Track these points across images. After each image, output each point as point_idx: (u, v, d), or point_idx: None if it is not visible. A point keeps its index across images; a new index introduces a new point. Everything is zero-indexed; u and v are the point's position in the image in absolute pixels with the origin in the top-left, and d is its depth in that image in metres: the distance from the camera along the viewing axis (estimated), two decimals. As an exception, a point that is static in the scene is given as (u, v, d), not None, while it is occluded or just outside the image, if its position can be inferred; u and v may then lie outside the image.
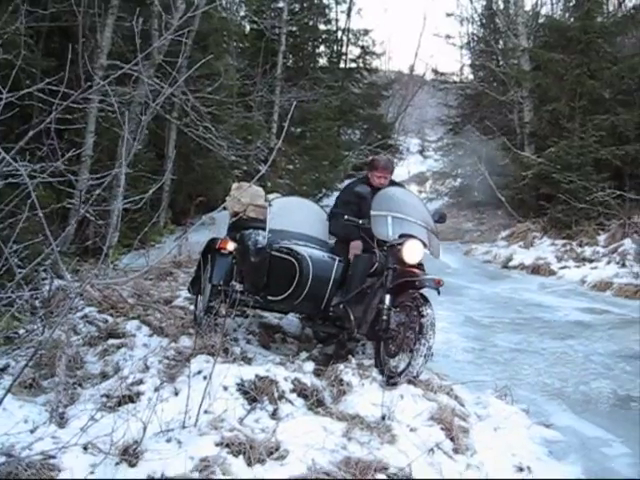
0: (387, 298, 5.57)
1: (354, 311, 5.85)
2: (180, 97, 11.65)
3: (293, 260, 5.78)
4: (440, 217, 6.47)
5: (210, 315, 6.11)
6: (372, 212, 5.94)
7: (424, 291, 5.56)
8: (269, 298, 5.98)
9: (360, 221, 6.08)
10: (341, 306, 5.94)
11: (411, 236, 5.78)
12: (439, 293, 5.54)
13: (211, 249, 6.67)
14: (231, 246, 6.49)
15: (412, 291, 5.51)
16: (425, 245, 5.89)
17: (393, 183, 6.61)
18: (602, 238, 13.20)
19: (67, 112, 5.04)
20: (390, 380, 5.24)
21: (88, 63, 7.69)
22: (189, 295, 7.57)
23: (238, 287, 6.31)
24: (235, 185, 7.15)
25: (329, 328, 6.30)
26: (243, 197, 6.76)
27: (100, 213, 8.93)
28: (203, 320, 6.20)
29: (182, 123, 12.46)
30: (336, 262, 5.92)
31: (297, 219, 6.46)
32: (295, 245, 5.98)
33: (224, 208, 6.67)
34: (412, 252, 5.66)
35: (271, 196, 6.99)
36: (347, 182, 7.25)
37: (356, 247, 6.15)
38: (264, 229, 6.28)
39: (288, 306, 6.16)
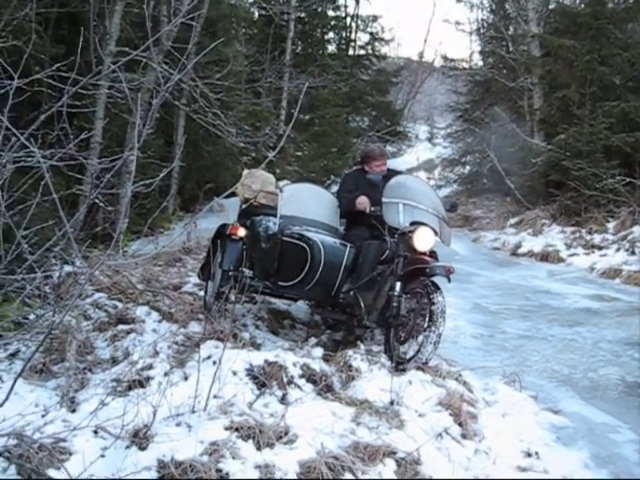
0: (398, 285, 5.55)
1: (364, 298, 5.83)
2: (189, 83, 11.65)
3: (304, 246, 5.77)
4: (452, 206, 6.50)
5: (220, 300, 6.12)
6: (384, 199, 5.93)
7: (435, 278, 5.54)
8: (280, 284, 5.97)
9: (372, 208, 6.08)
10: (351, 293, 5.92)
11: (422, 224, 5.77)
12: (449, 281, 5.55)
13: (221, 235, 6.66)
14: (242, 232, 6.46)
15: (423, 278, 5.50)
16: (436, 233, 5.87)
17: (393, 172, 6.60)
18: (611, 225, 13.16)
19: (76, 98, 5.06)
20: (399, 366, 5.25)
21: (98, 49, 7.71)
22: (198, 281, 7.59)
23: (248, 273, 6.28)
24: (246, 172, 7.08)
25: (339, 315, 6.29)
26: (254, 184, 6.73)
27: (110, 199, 8.96)
28: (213, 306, 6.21)
29: (191, 109, 12.45)
30: (347, 248, 5.91)
31: (308, 205, 6.43)
32: (306, 231, 5.97)
33: (234, 194, 6.71)
34: (423, 239, 5.65)
35: (282, 183, 6.96)
36: (346, 172, 7.27)
37: (363, 202, 6.15)
38: (275, 216, 6.25)
39: (299, 292, 6.17)
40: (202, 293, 7.01)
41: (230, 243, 6.47)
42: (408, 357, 5.38)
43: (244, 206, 6.81)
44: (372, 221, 6.10)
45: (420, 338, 5.38)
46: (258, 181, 6.76)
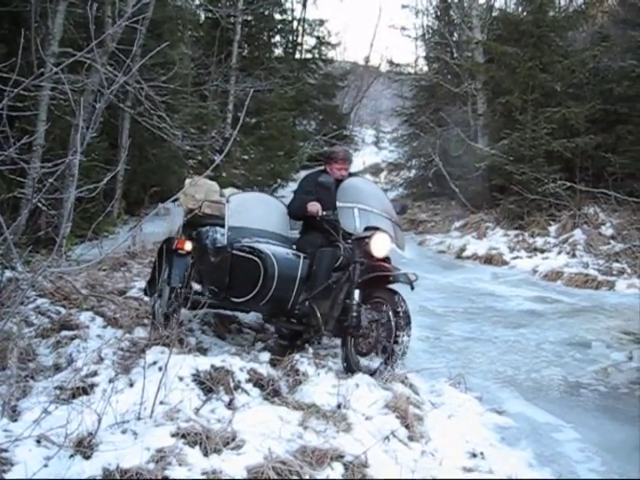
0: (356, 293, 5.42)
1: (320, 307, 5.69)
2: (134, 86, 11.49)
3: (256, 259, 5.56)
4: (402, 208, 6.47)
5: (169, 321, 5.77)
6: (338, 203, 5.82)
7: (396, 286, 5.51)
8: (232, 300, 5.78)
9: (324, 212, 5.96)
10: (306, 303, 5.77)
11: (378, 229, 5.67)
12: (412, 288, 5.44)
13: (167, 250, 6.41)
14: (189, 246, 6.26)
15: (385, 287, 5.44)
16: (392, 238, 5.77)
17: (350, 174, 6.49)
18: (553, 229, 13.43)
19: (18, 100, 4.95)
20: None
21: (40, 50, 7.56)
22: (143, 286, 7.50)
23: (197, 288, 6.18)
24: (188, 181, 6.91)
25: (294, 325, 6.09)
26: (197, 193, 6.56)
27: (52, 203, 8.79)
28: (162, 324, 5.84)
29: (136, 112, 12.29)
30: (301, 259, 5.75)
31: (256, 215, 6.23)
32: (257, 243, 5.77)
33: (176, 201, 6.57)
34: (380, 245, 5.55)
35: (226, 191, 6.83)
36: (306, 173, 7.00)
37: (313, 206, 5.98)
38: (221, 226, 6.07)
39: (253, 307, 6.03)
40: (150, 311, 6.60)
41: (177, 258, 6.25)
42: (372, 370, 5.29)
43: (188, 216, 6.63)
44: (325, 226, 5.96)
45: (383, 350, 5.29)
46: (201, 190, 6.59)
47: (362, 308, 5.39)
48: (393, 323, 5.24)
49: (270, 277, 5.47)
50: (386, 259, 5.60)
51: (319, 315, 5.66)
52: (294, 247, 6.11)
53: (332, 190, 5.94)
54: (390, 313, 5.30)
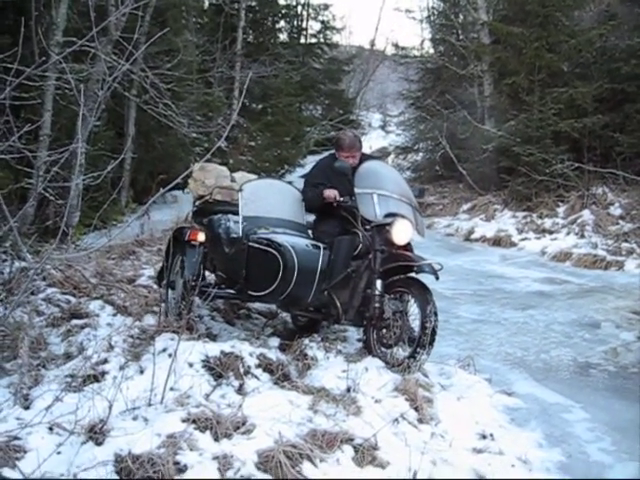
0: (378, 283, 5.24)
1: (339, 297, 5.50)
2: (139, 74, 11.49)
3: (275, 252, 5.27)
4: (420, 192, 6.18)
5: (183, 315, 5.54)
6: (356, 189, 5.58)
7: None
8: (250, 293, 5.54)
9: (341, 198, 5.71)
10: (325, 292, 5.54)
11: (399, 215, 5.47)
12: (437, 278, 5.25)
13: (178, 240, 6.20)
14: (202, 237, 6.04)
15: (408, 276, 5.28)
16: (412, 224, 5.55)
17: (367, 157, 6.18)
18: (561, 210, 13.40)
19: (23, 90, 4.96)
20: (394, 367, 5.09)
21: (43, 40, 7.56)
22: (153, 273, 7.54)
23: (212, 279, 6.05)
24: (197, 166, 6.58)
25: (312, 314, 5.93)
26: (207, 179, 6.34)
27: (60, 193, 8.80)
28: (174, 318, 5.75)
29: (141, 100, 12.28)
30: (321, 251, 5.46)
31: (271, 203, 5.93)
32: (274, 234, 5.50)
33: (179, 185, 6.38)
34: (402, 232, 5.35)
35: (237, 175, 6.65)
36: (316, 160, 6.76)
37: (330, 193, 5.72)
38: (233, 213, 5.86)
39: (272, 301, 5.87)
40: (162, 303, 6.21)
41: (190, 249, 6.06)
42: (400, 359, 5.14)
43: (198, 203, 6.43)
44: (342, 212, 5.72)
45: (410, 340, 5.17)
46: (211, 175, 6.39)
47: (385, 298, 5.24)
48: (420, 312, 5.07)
49: (290, 271, 5.20)
50: (407, 245, 5.44)
51: (339, 304, 5.49)
52: (311, 235, 5.93)
53: (349, 176, 5.69)
54: (414, 302, 5.16)
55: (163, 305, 6.03)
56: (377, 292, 5.22)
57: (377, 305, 5.20)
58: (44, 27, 9.47)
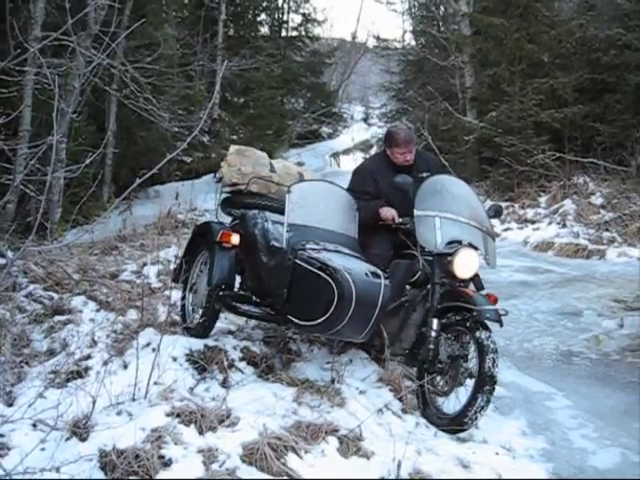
0: (434, 323, 4.55)
1: (386, 325, 4.82)
2: (119, 68, 11.42)
3: (329, 280, 4.37)
4: (496, 212, 5.29)
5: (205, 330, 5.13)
6: (416, 212, 4.74)
7: None
8: (291, 319, 4.64)
9: (400, 219, 4.98)
10: None
11: (462, 242, 4.77)
12: (501, 326, 4.49)
13: (205, 238, 5.43)
14: (236, 239, 5.13)
15: (460, 314, 4.51)
16: (479, 251, 4.84)
17: (421, 154, 5.57)
18: (543, 200, 13.44)
19: (1, 85, 4.92)
20: (446, 427, 4.36)
21: (20, 35, 7.50)
22: (135, 268, 7.52)
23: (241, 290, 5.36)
24: (233, 148, 5.77)
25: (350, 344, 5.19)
26: (244, 166, 5.49)
27: (41, 189, 8.75)
28: (194, 327, 5.23)
29: (122, 95, 12.23)
30: (382, 282, 4.54)
31: (322, 211, 5.06)
32: (326, 252, 4.66)
33: (220, 180, 5.67)
34: (466, 265, 4.64)
35: (277, 164, 5.78)
36: (361, 162, 5.97)
37: (388, 213, 5.04)
38: (271, 210, 5.19)
39: (318, 333, 4.92)
40: (179, 302, 5.71)
41: (220, 253, 5.15)
42: (452, 414, 4.43)
43: (228, 189, 5.63)
44: (400, 235, 5.02)
45: (464, 389, 4.47)
46: (249, 162, 5.54)
47: (441, 339, 4.56)
48: (478, 361, 4.35)
49: (345, 304, 4.31)
50: (475, 278, 4.76)
51: (385, 335, 4.83)
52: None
53: (410, 193, 4.86)
54: (471, 344, 4.46)
55: (180, 310, 5.60)
56: (433, 332, 4.54)
57: (432, 347, 4.52)
58: (21, 21, 9.38)
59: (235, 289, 5.30)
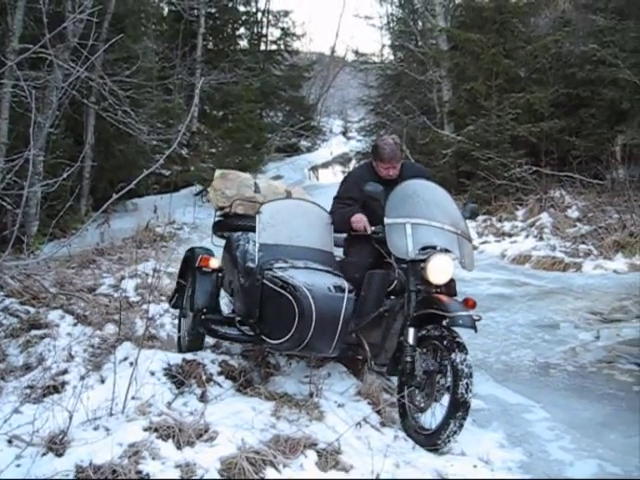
0: (411, 333, 4.48)
1: (369, 338, 4.84)
2: (97, 81, 11.39)
3: (290, 298, 4.45)
4: (472, 213, 5.24)
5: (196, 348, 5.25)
6: (386, 219, 4.71)
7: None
8: (263, 338, 4.72)
9: (372, 228, 4.94)
10: (353, 335, 4.86)
11: (435, 248, 4.68)
12: (476, 331, 4.45)
13: (190, 263, 5.57)
14: (215, 263, 5.38)
15: (440, 328, 4.40)
16: (454, 255, 4.76)
17: (408, 166, 5.47)
18: (520, 213, 13.53)
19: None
20: (423, 445, 4.33)
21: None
22: (113, 282, 7.48)
23: (228, 312, 5.50)
24: (218, 173, 5.95)
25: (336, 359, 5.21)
26: (228, 189, 5.69)
27: (18, 202, 8.69)
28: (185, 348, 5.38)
29: (100, 108, 12.19)
30: (345, 295, 4.54)
31: (293, 228, 5.12)
32: (291, 272, 4.66)
33: (198, 194, 5.88)
34: (440, 270, 4.56)
35: (262, 184, 5.92)
36: (350, 170, 6.04)
37: (359, 222, 5.01)
38: (255, 231, 5.10)
39: (288, 351, 4.90)
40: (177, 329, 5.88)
41: (201, 277, 5.35)
42: (430, 430, 4.36)
43: (219, 214, 5.84)
44: (374, 244, 4.96)
45: (439, 406, 4.36)
46: (233, 185, 5.74)
47: (417, 353, 4.47)
48: (451, 378, 4.27)
49: (306, 320, 4.37)
50: (449, 283, 4.66)
51: (367, 347, 4.83)
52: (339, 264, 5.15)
53: (381, 201, 4.84)
54: (446, 363, 4.33)
55: (176, 336, 5.71)
56: (409, 343, 4.48)
57: (408, 359, 4.47)
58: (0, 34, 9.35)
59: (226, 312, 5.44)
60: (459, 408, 4.19)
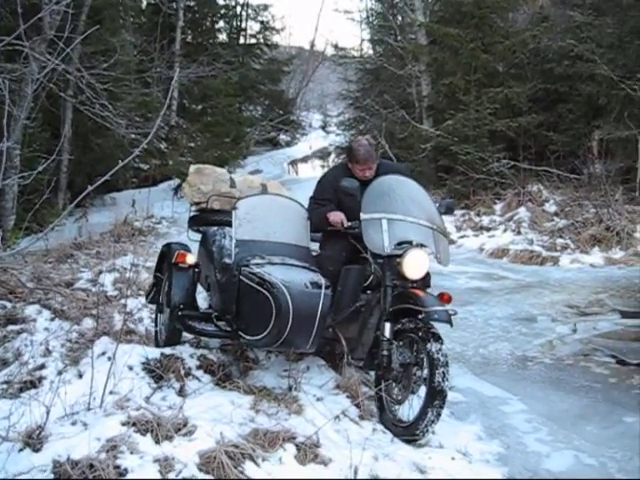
0: (387, 327, 4.53)
1: (345, 332, 4.88)
2: (75, 74, 11.30)
3: (267, 294, 4.45)
4: (448, 208, 5.31)
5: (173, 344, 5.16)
6: (362, 215, 4.73)
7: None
8: (240, 334, 4.72)
9: (349, 223, 4.97)
10: (330, 330, 4.90)
11: (412, 244, 4.73)
12: (451, 325, 4.49)
13: (166, 260, 5.49)
14: (191, 259, 5.28)
15: (416, 320, 4.44)
16: (432, 252, 4.78)
17: (385, 166, 5.37)
18: (498, 207, 13.62)
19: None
20: (401, 437, 4.36)
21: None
22: (91, 276, 7.43)
23: (205, 307, 5.47)
24: (193, 168, 5.90)
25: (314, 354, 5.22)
26: (204, 184, 5.68)
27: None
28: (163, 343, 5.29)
29: (77, 101, 12.09)
30: (322, 292, 4.55)
31: (270, 224, 5.12)
32: (268, 268, 4.64)
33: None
34: (415, 265, 4.60)
35: (238, 179, 5.94)
36: (324, 171, 5.86)
37: (336, 218, 5.02)
38: (231, 225, 5.09)
39: (265, 347, 4.93)
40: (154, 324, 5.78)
41: (177, 273, 5.26)
42: (406, 422, 4.40)
43: (194, 209, 5.82)
44: (350, 240, 5.00)
45: (416, 398, 4.40)
46: (208, 180, 5.72)
47: (393, 346, 4.52)
48: (428, 370, 4.31)
49: (283, 317, 4.37)
50: (425, 277, 4.71)
51: (344, 342, 4.86)
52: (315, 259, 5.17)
53: (358, 197, 4.86)
54: (422, 354, 4.38)
55: (154, 330, 5.62)
56: (385, 337, 4.52)
57: (385, 353, 4.50)
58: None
59: (203, 307, 5.39)
60: (436, 397, 4.22)
